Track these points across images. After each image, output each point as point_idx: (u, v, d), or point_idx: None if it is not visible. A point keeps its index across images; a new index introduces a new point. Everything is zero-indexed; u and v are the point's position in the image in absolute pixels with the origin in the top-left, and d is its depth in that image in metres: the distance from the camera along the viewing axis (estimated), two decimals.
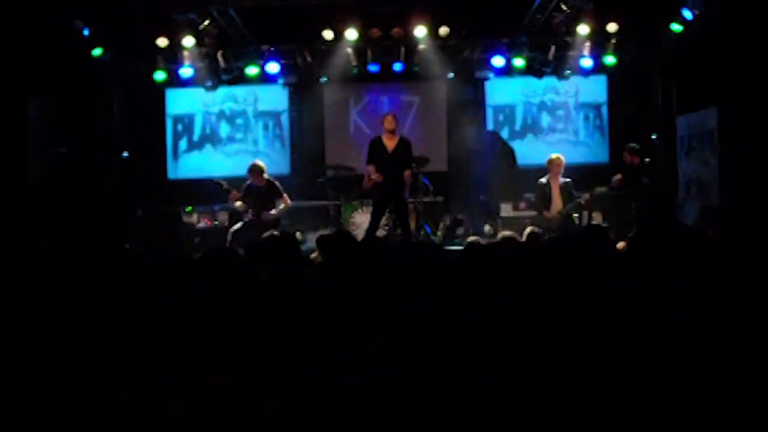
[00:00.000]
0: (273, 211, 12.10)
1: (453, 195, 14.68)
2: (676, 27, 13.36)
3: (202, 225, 14.17)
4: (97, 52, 13.57)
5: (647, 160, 12.64)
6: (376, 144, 11.60)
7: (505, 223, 13.14)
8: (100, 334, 2.50)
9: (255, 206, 12.02)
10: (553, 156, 12.65)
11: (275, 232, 8.34)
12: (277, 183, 12.33)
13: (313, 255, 7.63)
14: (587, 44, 14.12)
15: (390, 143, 11.54)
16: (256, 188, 12.18)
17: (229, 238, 12.00)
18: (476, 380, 2.27)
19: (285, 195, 12.28)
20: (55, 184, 12.58)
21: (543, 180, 12.54)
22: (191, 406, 1.83)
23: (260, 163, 12.49)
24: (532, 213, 13.22)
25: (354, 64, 14.44)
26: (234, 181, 12.82)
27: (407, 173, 11.49)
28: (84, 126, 13.78)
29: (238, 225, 12.07)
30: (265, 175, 12.29)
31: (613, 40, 14.09)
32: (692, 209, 12.76)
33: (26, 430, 1.80)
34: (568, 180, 12.52)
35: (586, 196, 12.35)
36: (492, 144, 15.22)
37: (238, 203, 12.06)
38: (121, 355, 2.43)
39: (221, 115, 15.65)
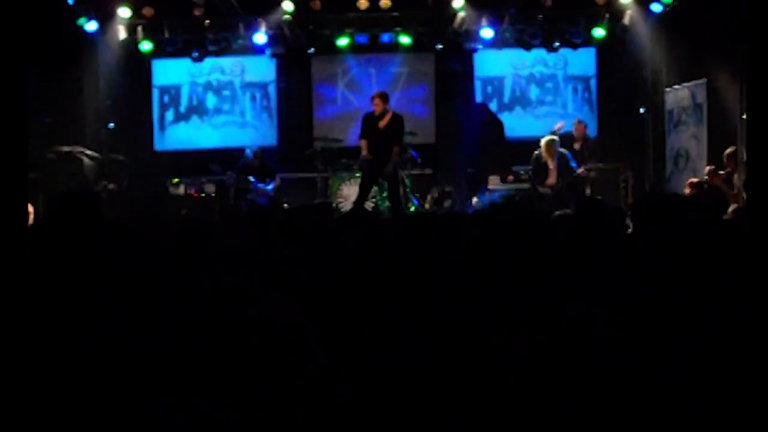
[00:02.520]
0: (269, 187, 12.45)
1: (441, 167, 14.66)
2: (666, 0, 13.32)
3: (188, 196, 14.12)
4: (82, 21, 13.45)
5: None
6: (368, 119, 11.64)
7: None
8: (83, 307, 2.47)
9: (248, 182, 12.48)
10: (545, 140, 12.54)
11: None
12: (268, 162, 12.71)
13: None
14: (577, 16, 14.07)
15: (382, 120, 11.58)
16: (251, 165, 12.45)
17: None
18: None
19: (277, 175, 12.90)
20: (40, 154, 12.48)
21: (538, 151, 12.48)
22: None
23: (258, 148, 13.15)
24: (521, 186, 13.23)
25: (342, 35, 14.36)
26: (221, 153, 12.88)
27: (396, 149, 11.54)
28: (69, 96, 13.65)
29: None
30: (260, 156, 12.98)
31: (604, 13, 14.04)
32: (680, 182, 12.77)
33: None
34: (563, 151, 12.47)
35: (582, 169, 12.37)
36: (480, 116, 15.16)
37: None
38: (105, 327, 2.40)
39: (208, 86, 15.55)
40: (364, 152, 11.57)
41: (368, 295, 2.92)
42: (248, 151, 12.88)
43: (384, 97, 11.81)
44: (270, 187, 12.66)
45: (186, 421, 1.33)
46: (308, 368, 1.42)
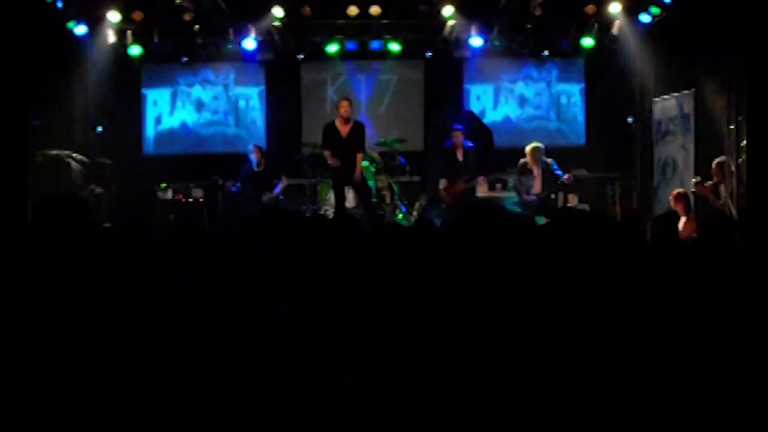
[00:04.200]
0: (273, 192, 12.70)
1: (429, 175, 14.66)
2: (654, 10, 13.39)
3: (176, 201, 14.08)
4: (71, 25, 13.41)
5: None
6: (330, 129, 11.92)
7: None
8: (70, 313, 2.46)
9: (255, 189, 12.42)
10: (530, 147, 12.59)
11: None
12: (270, 164, 12.74)
13: None
14: (566, 26, 14.12)
15: (344, 128, 11.86)
16: (255, 173, 12.70)
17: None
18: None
19: (283, 175, 12.92)
20: (27, 157, 12.41)
21: (524, 160, 12.53)
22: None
23: (261, 147, 13.21)
24: (509, 194, 13.25)
25: (332, 41, 14.39)
26: (210, 159, 12.85)
27: (359, 156, 11.79)
28: (58, 100, 13.60)
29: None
30: (263, 159, 12.94)
31: (592, 22, 14.10)
32: (667, 192, 12.81)
33: None
34: (549, 160, 12.52)
35: (568, 176, 12.41)
36: (469, 124, 15.18)
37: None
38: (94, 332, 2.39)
39: (197, 91, 15.52)
40: (331, 160, 11.77)
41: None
42: (251, 157, 12.86)
43: (351, 102, 12.06)
44: (277, 190, 12.72)
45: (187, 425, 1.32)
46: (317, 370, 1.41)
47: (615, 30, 14.16)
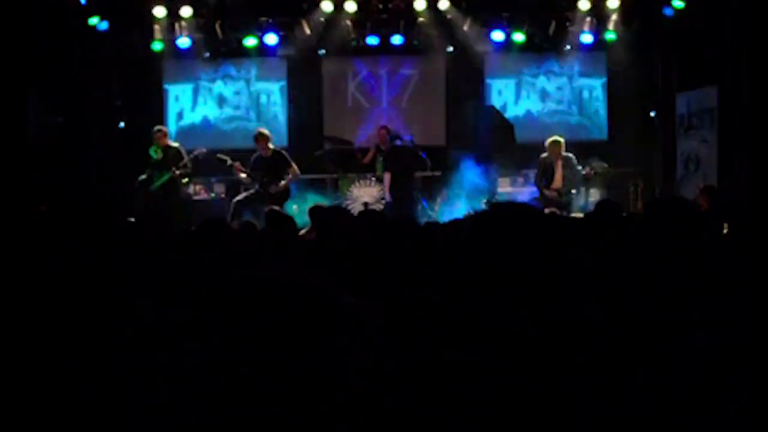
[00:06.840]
0: (281, 183, 12.12)
1: (451, 170, 14.63)
2: (677, 3, 13.30)
3: (198, 197, 14.11)
4: (93, 21, 13.47)
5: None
6: None
7: (503, 199, 13.10)
8: (95, 307, 2.47)
9: (263, 178, 12.07)
10: (550, 141, 12.52)
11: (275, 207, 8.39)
12: (284, 153, 12.47)
13: (304, 231, 7.68)
14: (588, 20, 14.07)
15: None
16: (264, 160, 12.22)
17: (231, 209, 12.02)
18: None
19: (294, 165, 12.34)
20: (50, 153, 12.51)
21: (544, 155, 12.47)
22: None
23: (265, 131, 12.62)
24: (531, 189, 13.21)
25: (353, 36, 14.38)
26: (232, 154, 12.83)
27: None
28: (80, 96, 13.69)
29: (242, 195, 12.10)
30: (270, 145, 12.41)
31: (614, 16, 14.03)
32: (690, 187, 12.74)
33: None
34: (570, 155, 12.46)
35: (588, 170, 12.35)
36: (491, 119, 15.13)
37: (243, 175, 12.19)
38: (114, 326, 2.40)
39: (218, 86, 15.55)
40: None
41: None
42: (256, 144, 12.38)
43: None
44: (281, 183, 12.22)
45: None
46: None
47: (637, 24, 14.09)
